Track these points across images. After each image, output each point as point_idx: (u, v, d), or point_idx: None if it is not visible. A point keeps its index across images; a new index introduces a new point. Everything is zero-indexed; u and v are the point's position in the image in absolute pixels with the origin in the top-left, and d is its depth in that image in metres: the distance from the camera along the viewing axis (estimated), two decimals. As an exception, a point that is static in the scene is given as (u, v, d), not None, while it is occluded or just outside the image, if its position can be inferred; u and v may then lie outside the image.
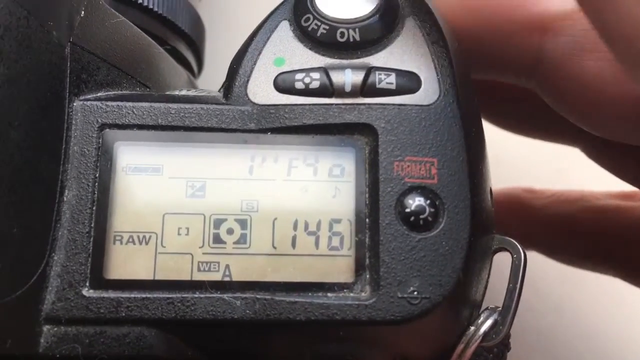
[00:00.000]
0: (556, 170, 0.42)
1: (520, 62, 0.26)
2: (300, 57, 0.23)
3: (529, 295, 0.38)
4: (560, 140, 0.33)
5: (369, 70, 0.23)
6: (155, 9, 0.29)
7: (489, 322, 0.23)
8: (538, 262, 0.38)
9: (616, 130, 0.26)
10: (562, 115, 0.27)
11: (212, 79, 0.33)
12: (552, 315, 0.39)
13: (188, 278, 0.22)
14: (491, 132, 0.30)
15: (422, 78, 0.23)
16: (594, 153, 0.32)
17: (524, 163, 0.42)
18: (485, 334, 0.23)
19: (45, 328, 0.21)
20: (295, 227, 0.22)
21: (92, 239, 0.21)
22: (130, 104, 0.23)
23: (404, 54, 0.23)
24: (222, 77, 0.25)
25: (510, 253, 0.23)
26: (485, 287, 0.24)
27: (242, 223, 0.22)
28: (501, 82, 0.31)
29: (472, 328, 0.23)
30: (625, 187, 0.32)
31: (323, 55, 0.23)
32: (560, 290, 0.40)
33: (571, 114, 0.26)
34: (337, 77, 0.23)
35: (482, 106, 0.30)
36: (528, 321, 0.39)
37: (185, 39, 0.31)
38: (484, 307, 0.23)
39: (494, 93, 0.31)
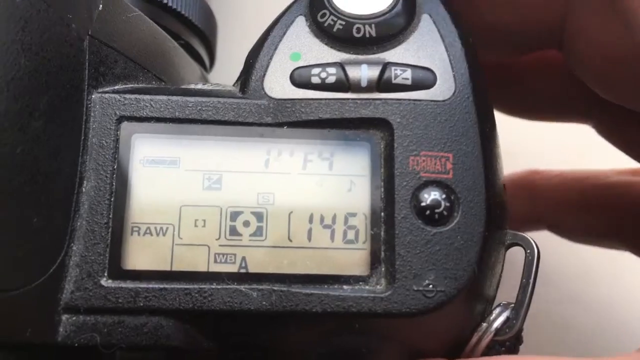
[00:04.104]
0: (564, 163, 0.42)
1: (546, 21, 0.26)
2: (316, 52, 0.24)
3: (542, 287, 0.39)
4: (573, 119, 0.32)
5: (385, 65, 0.23)
6: (170, 4, 0.29)
7: (502, 318, 0.23)
8: (551, 254, 0.38)
9: (633, 96, 0.25)
10: (584, 79, 0.26)
11: (222, 73, 0.33)
12: (565, 305, 0.40)
13: (205, 269, 0.22)
14: (501, 126, 0.30)
15: (437, 74, 0.23)
16: (605, 130, 0.31)
17: (534, 158, 0.42)
18: (498, 329, 0.23)
19: (64, 317, 0.21)
20: (310, 220, 0.22)
21: (110, 229, 0.22)
22: (148, 96, 0.23)
23: (420, 49, 0.23)
24: (231, 71, 0.25)
25: (524, 248, 0.23)
26: (499, 282, 0.24)
27: (258, 216, 0.22)
28: (514, 62, 0.30)
29: (485, 323, 0.23)
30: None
31: (339, 50, 0.23)
32: (574, 281, 0.40)
33: (592, 76, 0.26)
34: (353, 72, 0.23)
35: (494, 95, 0.29)
36: (541, 312, 0.39)
37: (199, 34, 0.32)
38: (496, 302, 0.24)
39: (507, 78, 0.31)
